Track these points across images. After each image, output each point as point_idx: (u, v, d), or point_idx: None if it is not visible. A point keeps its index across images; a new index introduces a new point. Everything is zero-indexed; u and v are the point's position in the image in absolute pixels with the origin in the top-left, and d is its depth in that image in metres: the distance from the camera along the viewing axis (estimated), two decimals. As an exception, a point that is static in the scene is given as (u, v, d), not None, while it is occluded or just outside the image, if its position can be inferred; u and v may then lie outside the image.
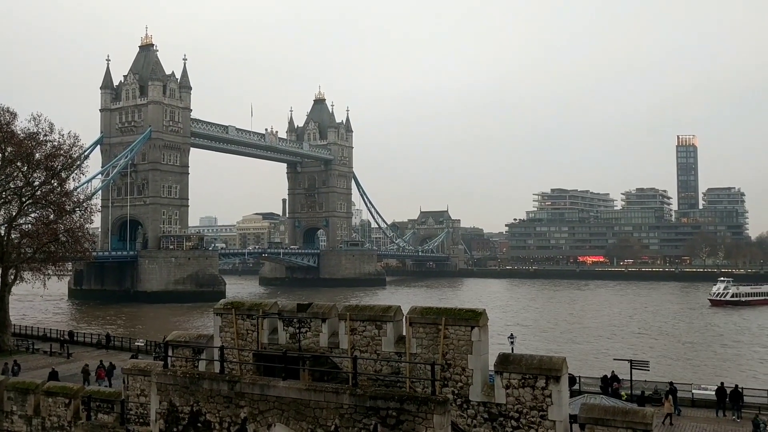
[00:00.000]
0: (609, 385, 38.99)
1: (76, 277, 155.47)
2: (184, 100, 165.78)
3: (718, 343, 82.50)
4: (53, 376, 41.49)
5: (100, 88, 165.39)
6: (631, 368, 39.24)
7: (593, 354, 71.69)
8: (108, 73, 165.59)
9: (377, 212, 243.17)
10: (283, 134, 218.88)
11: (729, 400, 36.42)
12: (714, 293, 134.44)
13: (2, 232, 60.70)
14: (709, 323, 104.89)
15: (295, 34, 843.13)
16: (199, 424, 19.55)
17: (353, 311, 19.48)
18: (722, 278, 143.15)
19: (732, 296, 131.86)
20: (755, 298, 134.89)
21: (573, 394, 30.25)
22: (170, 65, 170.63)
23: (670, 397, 35.57)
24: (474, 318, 17.78)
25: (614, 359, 48.55)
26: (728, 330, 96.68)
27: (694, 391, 41.07)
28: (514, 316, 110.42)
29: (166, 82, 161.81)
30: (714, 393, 37.69)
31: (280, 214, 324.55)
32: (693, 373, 59.02)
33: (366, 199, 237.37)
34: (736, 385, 37.80)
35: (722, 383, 38.49)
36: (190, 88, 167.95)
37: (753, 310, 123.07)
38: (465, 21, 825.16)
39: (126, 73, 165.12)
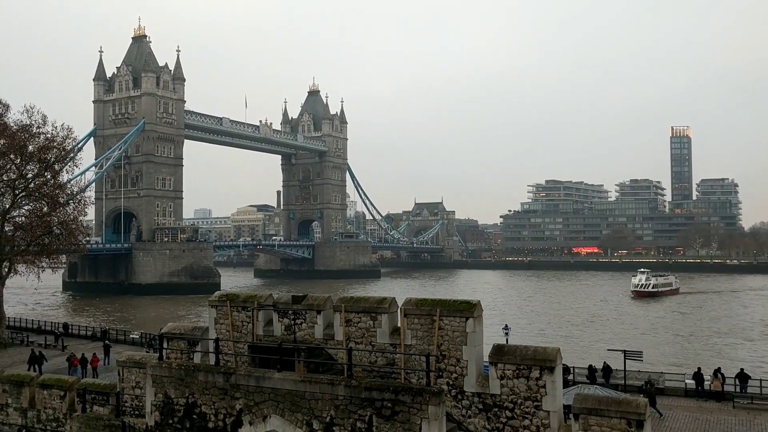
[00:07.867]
0: (594, 374, 39.21)
1: (71, 269, 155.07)
2: (177, 92, 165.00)
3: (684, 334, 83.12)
4: None
5: (93, 79, 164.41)
6: (624, 358, 39.34)
7: (585, 344, 71.93)
8: (101, 65, 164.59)
9: (372, 204, 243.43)
10: (277, 126, 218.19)
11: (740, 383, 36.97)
12: (636, 284, 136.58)
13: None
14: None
15: (290, 25, 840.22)
16: (194, 416, 19.59)
17: (348, 303, 19.52)
18: (642, 269, 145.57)
19: (653, 287, 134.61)
20: (666, 288, 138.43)
21: (567, 384, 30.42)
22: (163, 57, 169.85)
23: (720, 375, 36.82)
24: (468, 309, 17.84)
25: (608, 349, 48.65)
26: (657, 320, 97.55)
27: (687, 381, 39.65)
28: (508, 307, 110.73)
29: (160, 74, 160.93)
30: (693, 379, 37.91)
31: (275, 206, 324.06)
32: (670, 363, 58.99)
33: (360, 191, 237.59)
34: (742, 369, 38.49)
35: (699, 368, 39.10)
36: (184, 80, 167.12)
37: (667, 300, 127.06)
38: (462, 13, 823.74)
39: (119, 65, 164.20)
